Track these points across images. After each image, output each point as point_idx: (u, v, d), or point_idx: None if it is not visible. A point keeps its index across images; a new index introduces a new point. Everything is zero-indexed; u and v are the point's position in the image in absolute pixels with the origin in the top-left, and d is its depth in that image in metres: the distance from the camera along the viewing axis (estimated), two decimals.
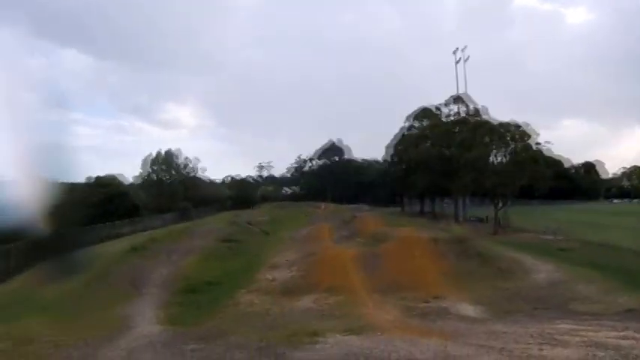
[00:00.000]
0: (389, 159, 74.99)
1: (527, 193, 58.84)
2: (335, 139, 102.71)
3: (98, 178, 60.92)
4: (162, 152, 77.60)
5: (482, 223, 54.04)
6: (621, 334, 11.54)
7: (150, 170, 76.71)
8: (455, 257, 25.10)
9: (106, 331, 14.62)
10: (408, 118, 67.93)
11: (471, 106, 63.44)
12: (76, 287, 20.62)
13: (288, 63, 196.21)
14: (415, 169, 61.01)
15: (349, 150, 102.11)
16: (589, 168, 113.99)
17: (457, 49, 69.52)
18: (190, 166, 79.41)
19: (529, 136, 47.26)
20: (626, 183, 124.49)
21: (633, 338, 10.93)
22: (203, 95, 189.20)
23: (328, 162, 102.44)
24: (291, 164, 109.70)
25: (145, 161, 77.04)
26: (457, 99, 64.89)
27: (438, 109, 65.73)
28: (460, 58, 68.54)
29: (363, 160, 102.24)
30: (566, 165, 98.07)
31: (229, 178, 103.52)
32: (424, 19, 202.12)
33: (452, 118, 64.61)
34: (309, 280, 22.01)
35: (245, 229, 41.11)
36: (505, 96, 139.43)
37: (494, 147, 49.77)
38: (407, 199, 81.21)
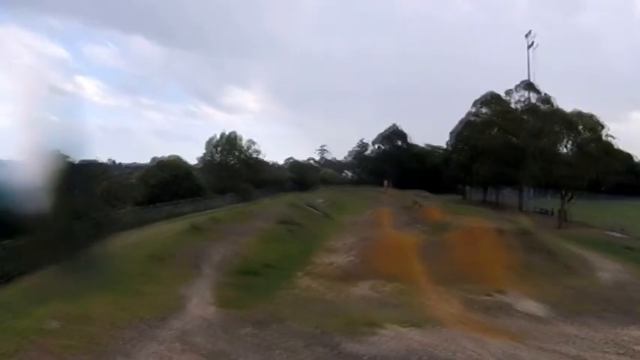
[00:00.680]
0: (453, 145, 73.50)
1: (594, 187, 56.69)
2: (397, 124, 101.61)
3: (161, 159, 63.36)
4: (226, 134, 78.50)
5: (548, 215, 52.44)
6: None
7: (213, 152, 77.66)
8: (520, 250, 24.00)
9: (162, 311, 14.63)
10: (475, 104, 66.22)
11: (539, 95, 61.39)
12: (137, 265, 20.62)
13: (353, 47, 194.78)
14: (480, 157, 59.57)
15: (412, 135, 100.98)
16: None
17: (530, 32, 67.17)
18: (253, 148, 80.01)
19: (602, 127, 45.42)
20: None
21: None
22: (268, 80, 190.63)
23: (390, 146, 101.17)
24: (353, 148, 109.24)
25: (208, 143, 78.14)
26: (528, 85, 62.70)
27: (507, 94, 63.62)
28: (533, 42, 66.16)
29: (426, 145, 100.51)
30: (637, 159, 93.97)
31: (293, 161, 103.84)
32: (494, 6, 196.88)
33: (520, 106, 62.59)
34: (367, 265, 21.63)
35: (305, 212, 40.94)
36: (572, 85, 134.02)
37: (564, 137, 47.99)
38: (469, 187, 79.66)
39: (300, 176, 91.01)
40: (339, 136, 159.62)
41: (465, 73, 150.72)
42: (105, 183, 63.16)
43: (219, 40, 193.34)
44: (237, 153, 77.74)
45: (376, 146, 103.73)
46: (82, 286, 17.17)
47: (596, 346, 10.63)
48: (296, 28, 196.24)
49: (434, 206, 43.06)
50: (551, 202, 55.99)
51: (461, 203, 64.20)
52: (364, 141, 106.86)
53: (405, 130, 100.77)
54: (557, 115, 50.37)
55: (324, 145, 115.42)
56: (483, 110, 65.48)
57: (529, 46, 66.61)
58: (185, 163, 66.57)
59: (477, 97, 66.86)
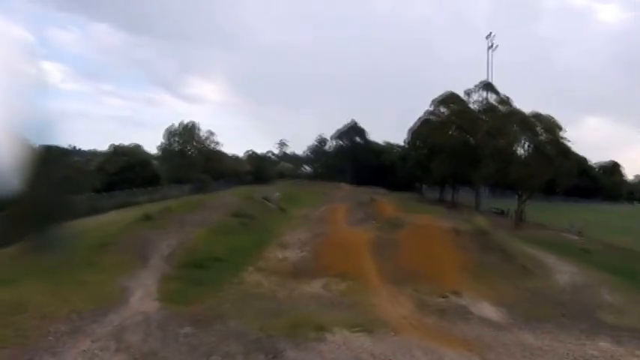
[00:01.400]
0: (410, 143, 73.56)
1: (549, 189, 57.29)
2: (357, 120, 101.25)
3: (118, 147, 61.87)
4: (185, 123, 76.86)
5: (503, 216, 52.68)
6: None
7: (172, 141, 76.06)
8: (476, 250, 23.44)
9: (102, 304, 13.88)
10: (433, 103, 66.33)
11: (498, 95, 61.94)
12: (83, 253, 19.89)
13: (314, 42, 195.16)
14: (437, 155, 59.68)
15: (371, 132, 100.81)
16: (613, 168, 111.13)
17: (491, 33, 67.75)
18: (212, 139, 79.02)
19: (560, 129, 45.63)
20: None
21: None
22: (229, 72, 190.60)
23: (348, 143, 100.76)
24: (312, 143, 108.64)
25: (167, 132, 76.40)
26: (487, 85, 63.21)
27: (467, 94, 63.99)
28: (493, 44, 66.82)
29: (385, 142, 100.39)
30: (591, 163, 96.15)
31: (251, 154, 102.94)
32: (455, 8, 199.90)
33: (478, 106, 63.20)
34: (320, 262, 20.98)
35: (259, 205, 40.02)
36: (529, 88, 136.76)
37: (523, 137, 48.12)
38: (426, 185, 79.92)
39: (258, 169, 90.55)
40: (299, 130, 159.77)
41: (427, 72, 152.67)
42: (64, 169, 62.17)
43: (183, 29, 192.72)
44: (195, 143, 76.57)
45: (334, 142, 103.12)
46: (23, 271, 16.48)
47: None
48: (261, 21, 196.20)
49: (389, 203, 42.55)
50: (507, 202, 56.38)
51: (417, 201, 63.99)
52: (323, 136, 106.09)
53: (365, 127, 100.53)
54: (515, 115, 50.51)
55: (284, 139, 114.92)
56: (442, 109, 65.63)
57: (489, 48, 67.44)
58: (143, 152, 65.92)
59: (436, 93, 67.15)
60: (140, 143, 69.31)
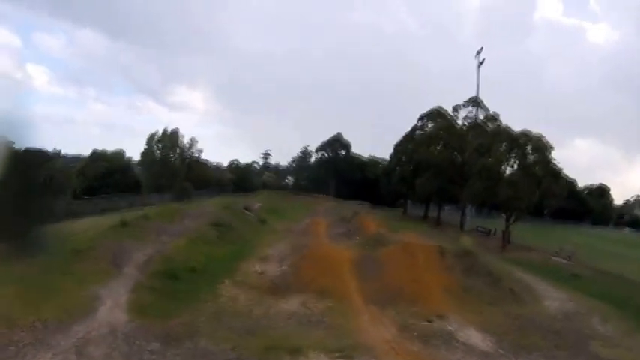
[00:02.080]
0: (395, 157, 72.93)
1: (536, 210, 56.79)
2: (342, 132, 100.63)
3: (100, 152, 61.73)
4: (168, 131, 75.99)
5: (489, 236, 51.99)
6: None
7: (154, 148, 75.04)
8: (461, 272, 22.53)
9: (69, 314, 13.13)
10: (420, 118, 65.87)
11: (486, 112, 61.53)
12: (55, 260, 18.85)
13: (300, 54, 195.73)
14: (422, 171, 59.05)
15: (356, 146, 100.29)
16: (602, 192, 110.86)
17: (480, 49, 66.86)
18: (196, 147, 78.41)
19: (550, 149, 45.07)
20: (638, 212, 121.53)
21: None
22: (214, 81, 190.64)
23: (332, 155, 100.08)
24: (296, 154, 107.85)
25: (149, 139, 75.69)
26: (475, 101, 62.54)
27: (455, 109, 63.48)
28: (482, 60, 65.93)
29: (370, 157, 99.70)
30: (578, 185, 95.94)
31: (235, 164, 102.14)
32: (442, 22, 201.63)
33: (466, 123, 62.54)
34: (299, 278, 20.04)
35: (240, 216, 39.17)
36: (517, 106, 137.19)
37: (512, 156, 47.50)
38: (410, 202, 79.16)
39: (241, 179, 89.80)
40: (283, 140, 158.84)
41: (415, 90, 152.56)
42: (47, 173, 61.67)
43: (169, 37, 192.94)
44: (178, 151, 75.74)
45: (319, 154, 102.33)
46: None
47: None
48: (245, 30, 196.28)
49: (373, 219, 41.80)
50: (493, 222, 55.82)
51: (401, 218, 63.43)
52: (308, 148, 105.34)
53: (350, 140, 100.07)
54: (504, 133, 49.99)
55: (268, 150, 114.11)
56: (429, 125, 65.08)
57: (479, 64, 66.46)
58: (124, 158, 65.14)
59: (423, 108, 66.68)
60: (123, 149, 68.65)
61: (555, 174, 45.19)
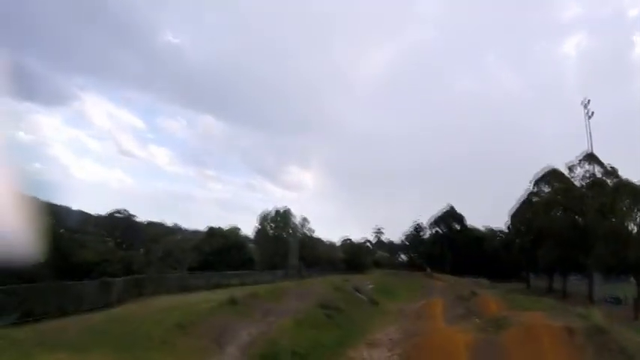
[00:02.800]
0: (512, 228, 69.21)
1: None
2: (454, 204, 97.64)
3: (216, 229, 63.85)
4: (280, 210, 78.05)
5: (619, 304, 47.41)
6: None
7: (266, 226, 76.92)
8: (593, 353, 20.38)
9: None
10: (534, 182, 62.16)
11: (604, 168, 57.00)
12: (160, 331, 19.62)
13: (408, 133, 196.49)
14: (543, 240, 55.19)
15: (469, 217, 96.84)
16: None
17: (587, 101, 63.08)
18: (308, 226, 79.61)
19: None
20: None
21: None
22: (325, 160, 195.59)
23: (446, 229, 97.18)
24: (409, 230, 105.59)
25: (262, 217, 78.31)
26: (589, 157, 58.17)
27: (569, 169, 59.43)
28: (589, 111, 62.05)
29: (485, 228, 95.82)
30: None
31: (347, 242, 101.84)
32: (544, 81, 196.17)
33: (585, 182, 58.07)
34: None
35: (350, 297, 38.17)
36: (635, 156, 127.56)
37: (638, 213, 43.46)
38: (533, 274, 74.38)
39: (353, 257, 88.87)
40: (394, 215, 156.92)
41: (521, 149, 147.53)
42: (166, 245, 65.02)
43: (281, 123, 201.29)
44: (290, 230, 76.98)
45: (434, 230, 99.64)
46: (94, 340, 17.09)
47: None
48: (352, 110, 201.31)
49: (492, 297, 39.32)
50: (622, 288, 50.96)
51: (524, 292, 59.24)
52: (419, 222, 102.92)
53: (462, 211, 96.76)
54: (627, 188, 46.20)
55: (380, 227, 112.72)
56: (545, 189, 61.37)
57: (588, 117, 62.58)
58: (239, 235, 67.35)
59: (536, 171, 63.08)
60: (239, 226, 71.01)
61: None
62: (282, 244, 73.39)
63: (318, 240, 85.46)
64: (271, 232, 76.33)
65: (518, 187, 69.49)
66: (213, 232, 62.31)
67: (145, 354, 16.45)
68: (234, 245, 60.07)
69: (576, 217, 55.20)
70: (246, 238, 74.35)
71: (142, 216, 77.06)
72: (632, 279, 44.35)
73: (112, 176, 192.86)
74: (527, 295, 51.83)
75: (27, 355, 14.71)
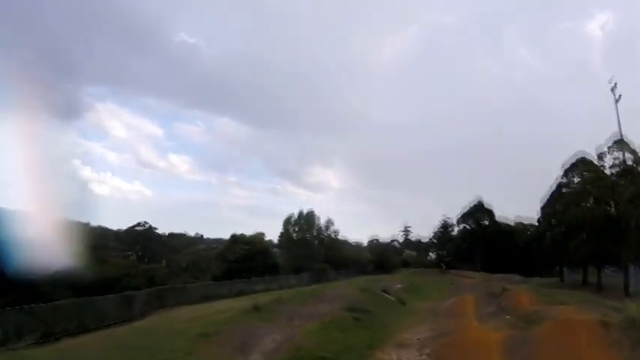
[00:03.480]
0: (544, 220, 67.46)
1: None
2: (482, 197, 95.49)
3: (239, 236, 63.98)
4: (304, 212, 77.59)
5: None
6: None
7: (290, 230, 76.43)
8: (630, 347, 19.19)
9: None
10: (564, 172, 60.13)
11: (632, 154, 54.69)
12: (183, 342, 19.64)
13: (431, 121, 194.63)
14: (576, 232, 53.58)
15: (498, 207, 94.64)
16: None
17: (615, 84, 60.49)
18: (333, 228, 79.08)
19: None
20: None
21: None
22: (349, 159, 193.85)
23: (474, 225, 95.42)
24: (437, 227, 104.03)
25: (286, 221, 78.25)
26: (619, 143, 55.71)
27: (599, 157, 57.05)
28: (619, 96, 59.48)
29: (516, 222, 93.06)
30: None
31: (374, 242, 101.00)
32: (570, 61, 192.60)
33: (614, 170, 55.63)
34: None
35: (378, 298, 37.36)
36: None
37: None
38: (566, 267, 72.54)
39: (380, 258, 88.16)
40: (423, 213, 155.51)
41: (551, 134, 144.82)
42: (189, 256, 65.40)
43: (302, 121, 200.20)
44: (314, 232, 76.51)
45: (462, 226, 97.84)
46: (115, 356, 17.39)
47: None
48: (375, 106, 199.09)
49: (525, 293, 38.14)
50: None
51: (557, 287, 57.59)
52: (447, 218, 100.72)
53: (492, 202, 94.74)
54: None
55: (407, 226, 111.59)
56: (575, 179, 59.65)
57: (616, 101, 59.67)
58: (263, 240, 67.30)
59: (564, 153, 61.06)
60: (263, 232, 71.01)
61: None
62: (307, 248, 73.20)
63: (344, 241, 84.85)
64: (295, 235, 75.96)
65: (547, 170, 67.88)
66: (236, 240, 62.66)
67: None
68: (258, 251, 60.08)
69: (608, 207, 53.45)
70: (270, 243, 74.41)
71: (164, 228, 77.54)
72: None
73: (132, 189, 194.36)
74: (561, 289, 50.39)
75: None
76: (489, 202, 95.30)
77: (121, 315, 28.71)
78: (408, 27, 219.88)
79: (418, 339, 23.76)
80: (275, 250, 72.88)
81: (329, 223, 79.05)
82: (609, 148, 55.92)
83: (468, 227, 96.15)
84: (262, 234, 74.00)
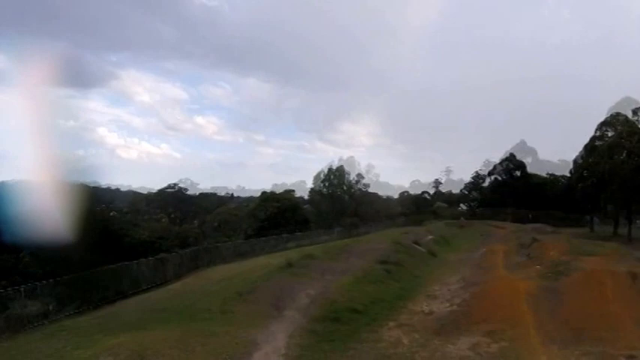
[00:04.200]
0: (575, 172, 67.07)
1: None
2: (519, 142, 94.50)
3: (269, 193, 64.03)
4: (334, 167, 77.40)
5: None
6: None
7: (320, 186, 76.74)
8: None
9: (223, 357, 13.83)
10: (599, 126, 59.90)
11: None
12: (219, 301, 20.34)
13: (462, 72, 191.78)
14: (607, 185, 53.52)
15: (537, 153, 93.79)
16: None
17: None
18: (363, 182, 78.90)
19: None
20: None
21: None
22: (378, 113, 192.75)
23: (506, 177, 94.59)
24: (469, 179, 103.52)
25: (317, 176, 77.87)
26: None
27: (635, 113, 57.30)
28: None
29: (548, 174, 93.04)
30: None
31: (405, 194, 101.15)
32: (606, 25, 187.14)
33: None
34: (470, 317, 18.48)
35: (409, 250, 37.76)
36: None
37: None
38: (597, 219, 72.24)
39: (411, 210, 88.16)
40: (455, 166, 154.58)
41: (593, 84, 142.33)
42: (220, 215, 66.36)
43: (328, 78, 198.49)
44: (344, 187, 76.66)
45: (492, 177, 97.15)
46: (153, 318, 17.96)
47: None
48: (404, 63, 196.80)
49: (555, 243, 38.23)
50: None
51: (587, 238, 57.58)
52: (480, 172, 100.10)
53: (536, 146, 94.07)
54: None
55: (440, 178, 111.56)
56: (609, 133, 59.05)
57: None
58: (293, 197, 67.37)
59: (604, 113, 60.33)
60: (293, 189, 71.24)
61: None
62: (338, 203, 73.52)
63: (375, 194, 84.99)
64: (325, 190, 76.27)
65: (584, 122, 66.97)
66: (267, 197, 63.23)
67: (206, 325, 16.79)
68: (288, 208, 60.39)
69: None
70: (300, 199, 74.62)
71: (194, 189, 78.51)
72: None
73: (160, 152, 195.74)
74: (591, 240, 50.34)
75: (90, 342, 15.10)
76: (533, 144, 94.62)
77: (156, 278, 29.23)
78: None
79: (449, 290, 24.34)
80: (305, 206, 73.33)
81: (359, 177, 79.04)
82: None
83: (499, 179, 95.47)
84: (292, 191, 74.63)
